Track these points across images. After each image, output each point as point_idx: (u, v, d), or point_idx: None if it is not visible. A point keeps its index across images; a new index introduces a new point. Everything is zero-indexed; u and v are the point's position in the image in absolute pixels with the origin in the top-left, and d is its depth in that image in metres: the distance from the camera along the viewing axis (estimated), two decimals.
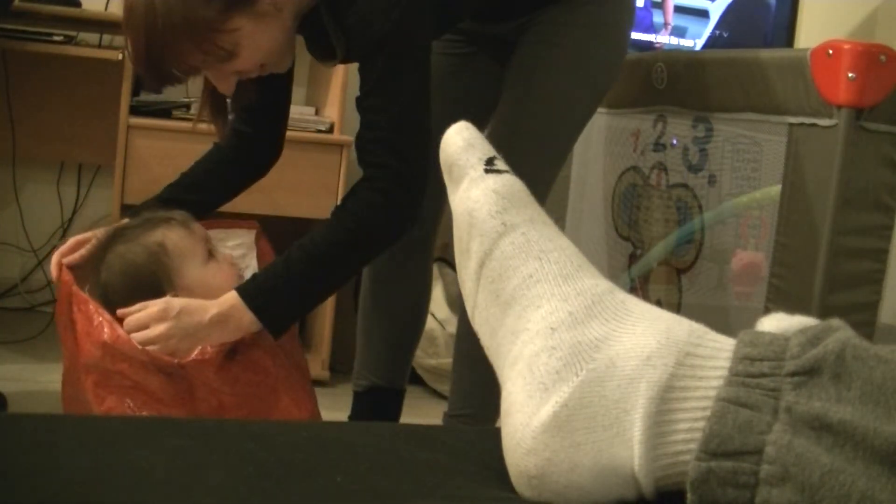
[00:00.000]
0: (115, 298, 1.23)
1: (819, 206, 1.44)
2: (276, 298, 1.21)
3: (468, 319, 0.71)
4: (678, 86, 1.74)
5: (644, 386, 0.56)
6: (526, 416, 0.59)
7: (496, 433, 0.64)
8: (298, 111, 2.33)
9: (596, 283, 0.64)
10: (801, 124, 1.47)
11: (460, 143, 0.70)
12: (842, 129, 1.40)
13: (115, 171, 2.34)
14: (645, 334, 0.59)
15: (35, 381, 2.26)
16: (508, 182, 0.68)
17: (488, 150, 0.70)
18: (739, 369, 0.55)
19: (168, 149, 2.30)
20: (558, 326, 0.61)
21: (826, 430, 0.51)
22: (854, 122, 1.40)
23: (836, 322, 0.56)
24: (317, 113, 2.49)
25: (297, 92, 2.48)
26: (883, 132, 1.43)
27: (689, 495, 0.54)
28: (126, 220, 1.36)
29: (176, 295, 1.23)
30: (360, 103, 1.28)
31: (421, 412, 2.05)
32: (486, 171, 0.69)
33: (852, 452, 0.50)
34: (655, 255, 1.84)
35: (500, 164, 0.70)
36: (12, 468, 0.55)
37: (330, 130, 2.36)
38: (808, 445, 0.51)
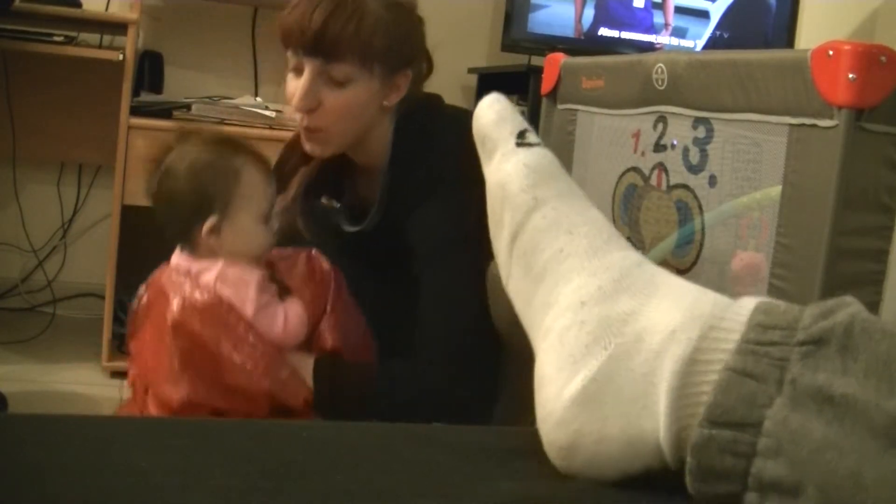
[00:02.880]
0: (164, 188, 1.21)
1: (819, 207, 1.44)
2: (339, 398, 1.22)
3: None
4: (678, 86, 1.74)
5: (669, 360, 0.58)
6: (556, 388, 0.61)
7: (495, 432, 0.64)
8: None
9: (624, 256, 0.65)
10: (802, 125, 1.47)
11: (492, 116, 0.72)
12: (842, 130, 1.40)
13: (115, 171, 2.34)
14: (670, 309, 0.60)
15: (35, 381, 2.26)
16: (539, 155, 0.70)
17: (520, 123, 0.72)
18: (751, 336, 0.57)
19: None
20: (587, 301, 0.62)
21: (828, 403, 0.52)
22: (854, 122, 1.39)
23: (849, 298, 0.58)
24: None
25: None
26: (883, 133, 1.43)
27: (688, 458, 0.56)
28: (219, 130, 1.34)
29: (217, 226, 1.21)
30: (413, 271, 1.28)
31: None
32: (518, 144, 0.70)
33: (851, 426, 0.51)
34: (655, 255, 1.84)
35: (531, 136, 0.71)
36: (12, 468, 0.55)
37: None
38: (805, 420, 0.52)
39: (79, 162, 2.82)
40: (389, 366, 1.29)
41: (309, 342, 1.27)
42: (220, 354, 1.16)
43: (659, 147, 1.84)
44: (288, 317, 1.23)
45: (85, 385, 2.30)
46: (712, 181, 1.72)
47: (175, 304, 1.18)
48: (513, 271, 0.69)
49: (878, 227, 1.49)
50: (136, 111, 2.35)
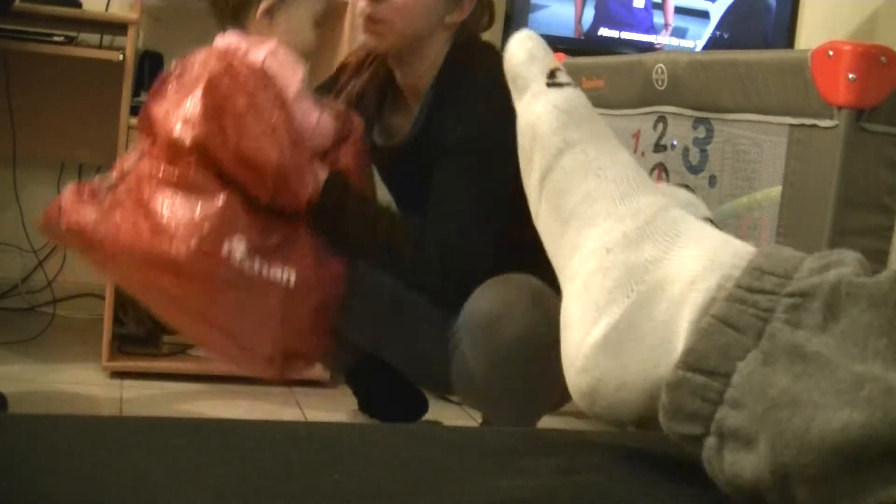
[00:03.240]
0: None
1: (819, 208, 1.44)
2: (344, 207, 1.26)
3: None
4: (679, 87, 1.74)
5: (687, 309, 0.59)
6: (580, 334, 0.62)
7: (493, 431, 0.64)
8: None
9: (651, 202, 0.65)
10: (802, 125, 1.47)
11: (523, 54, 0.72)
12: (842, 130, 1.40)
13: None
14: (692, 258, 0.61)
15: (35, 381, 2.26)
16: (570, 96, 0.70)
17: (551, 62, 0.72)
18: (744, 281, 0.57)
19: None
20: (613, 247, 0.63)
21: (800, 358, 0.53)
22: (854, 123, 1.40)
23: (849, 256, 0.58)
24: None
25: None
26: (883, 133, 1.43)
27: (663, 395, 0.58)
28: None
29: (273, 8, 1.24)
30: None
31: (428, 413, 2.05)
32: (549, 84, 0.70)
33: (815, 382, 0.52)
34: None
35: (561, 76, 0.71)
36: (12, 468, 0.55)
37: None
38: (770, 376, 0.53)
39: (79, 162, 2.82)
40: (397, 225, 1.32)
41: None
42: (243, 119, 1.17)
43: (659, 147, 1.84)
44: (321, 117, 1.27)
45: (85, 385, 2.30)
46: (712, 181, 1.73)
47: (218, 64, 1.19)
48: (541, 210, 0.69)
49: (878, 228, 1.49)
50: (136, 111, 2.34)
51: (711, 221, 1.19)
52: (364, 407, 1.78)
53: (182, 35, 2.87)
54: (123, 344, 2.47)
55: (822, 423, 0.50)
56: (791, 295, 0.56)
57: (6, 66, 2.53)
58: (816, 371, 0.52)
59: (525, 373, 1.27)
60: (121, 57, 2.30)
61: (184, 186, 1.16)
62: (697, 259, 0.61)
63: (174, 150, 1.17)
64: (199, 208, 1.15)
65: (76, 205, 1.20)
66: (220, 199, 1.15)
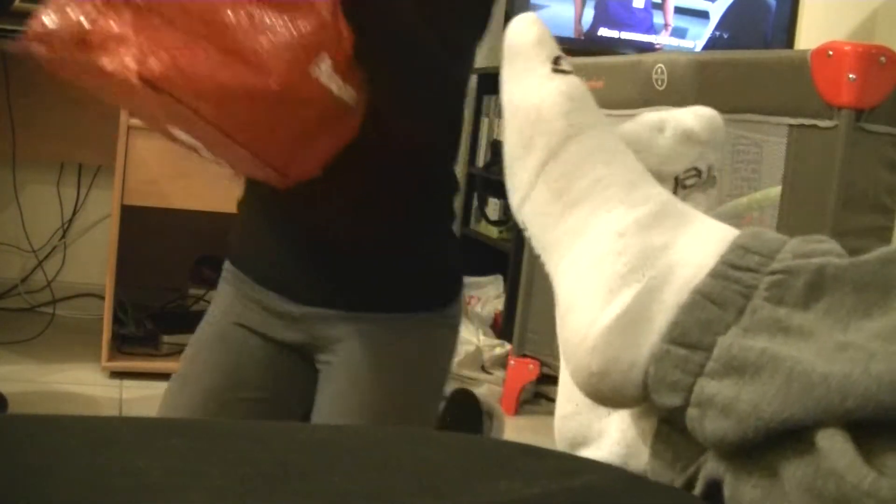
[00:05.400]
0: None
1: (819, 208, 1.44)
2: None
3: None
4: (678, 87, 1.75)
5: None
6: (590, 315, 0.63)
7: (493, 434, 0.64)
8: None
9: (659, 192, 0.67)
10: (802, 125, 1.47)
11: (531, 36, 0.72)
12: (842, 131, 1.40)
13: (115, 171, 2.34)
14: (701, 244, 0.63)
15: (35, 381, 2.26)
16: (575, 84, 0.71)
17: (555, 49, 0.72)
18: (729, 257, 0.59)
19: (168, 149, 2.29)
20: (625, 232, 0.64)
21: (782, 332, 0.55)
22: (854, 123, 1.40)
23: (833, 244, 0.59)
24: None
25: None
26: (883, 133, 1.43)
27: (650, 367, 0.59)
28: None
29: None
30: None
31: None
32: (554, 70, 0.71)
33: (796, 347, 0.53)
34: None
35: (565, 64, 0.72)
36: (12, 468, 0.55)
37: None
38: (752, 344, 0.55)
39: (79, 162, 2.82)
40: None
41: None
42: None
43: None
44: None
45: (85, 385, 2.30)
46: (712, 181, 1.72)
47: None
48: (534, 194, 0.69)
49: (878, 228, 1.49)
50: None
51: None
52: None
53: None
54: (123, 344, 2.47)
55: (801, 373, 0.51)
56: (774, 273, 0.57)
57: (6, 66, 2.53)
58: (798, 340, 0.53)
59: None
60: None
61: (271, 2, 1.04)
62: (704, 245, 0.62)
63: None
64: (292, 26, 1.05)
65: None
66: (317, 13, 1.05)
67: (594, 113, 0.72)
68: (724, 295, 0.58)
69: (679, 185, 0.76)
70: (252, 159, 1.13)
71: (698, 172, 0.78)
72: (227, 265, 1.44)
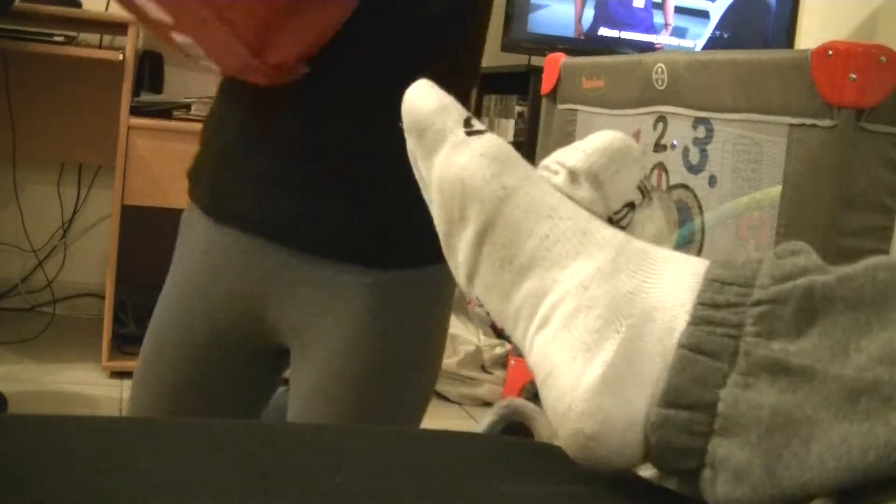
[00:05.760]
0: None
1: (819, 208, 1.44)
2: None
3: None
4: (678, 87, 1.74)
5: (677, 335, 0.57)
6: (573, 377, 0.59)
7: (496, 434, 0.64)
8: None
9: (613, 234, 0.63)
10: (802, 125, 1.47)
11: (432, 104, 0.66)
12: (842, 130, 1.40)
13: (116, 171, 2.34)
14: (672, 283, 0.59)
15: (35, 381, 2.26)
16: (493, 143, 0.66)
17: (462, 110, 0.67)
18: (707, 297, 0.56)
19: (168, 149, 2.30)
20: (589, 284, 0.60)
21: (782, 373, 0.52)
22: (854, 122, 1.40)
23: (803, 259, 0.56)
24: None
25: None
26: (883, 133, 1.43)
27: (650, 435, 0.56)
28: None
29: None
30: None
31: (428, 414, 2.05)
32: (468, 133, 0.65)
33: (804, 396, 0.50)
34: None
35: (476, 123, 0.67)
36: (12, 468, 0.55)
37: None
38: (755, 397, 0.52)
39: (79, 162, 2.82)
40: None
41: None
42: None
43: (659, 147, 1.84)
44: None
45: (85, 385, 2.30)
46: (712, 181, 1.73)
47: None
48: (481, 269, 0.65)
49: (878, 228, 1.49)
50: (136, 111, 2.35)
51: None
52: None
53: None
54: (123, 344, 2.47)
55: (820, 438, 0.49)
56: (758, 303, 0.54)
57: (6, 66, 2.53)
58: (803, 384, 0.51)
59: None
60: (121, 57, 2.30)
61: None
62: (675, 283, 0.59)
63: None
64: None
65: None
66: None
67: (521, 167, 0.65)
68: (712, 342, 0.54)
69: (616, 226, 0.69)
70: (226, 36, 1.06)
71: (631, 204, 0.70)
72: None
